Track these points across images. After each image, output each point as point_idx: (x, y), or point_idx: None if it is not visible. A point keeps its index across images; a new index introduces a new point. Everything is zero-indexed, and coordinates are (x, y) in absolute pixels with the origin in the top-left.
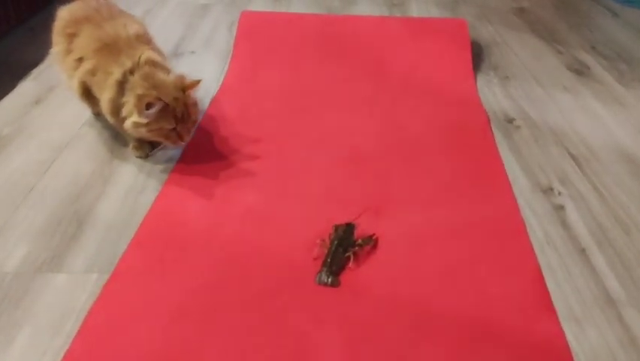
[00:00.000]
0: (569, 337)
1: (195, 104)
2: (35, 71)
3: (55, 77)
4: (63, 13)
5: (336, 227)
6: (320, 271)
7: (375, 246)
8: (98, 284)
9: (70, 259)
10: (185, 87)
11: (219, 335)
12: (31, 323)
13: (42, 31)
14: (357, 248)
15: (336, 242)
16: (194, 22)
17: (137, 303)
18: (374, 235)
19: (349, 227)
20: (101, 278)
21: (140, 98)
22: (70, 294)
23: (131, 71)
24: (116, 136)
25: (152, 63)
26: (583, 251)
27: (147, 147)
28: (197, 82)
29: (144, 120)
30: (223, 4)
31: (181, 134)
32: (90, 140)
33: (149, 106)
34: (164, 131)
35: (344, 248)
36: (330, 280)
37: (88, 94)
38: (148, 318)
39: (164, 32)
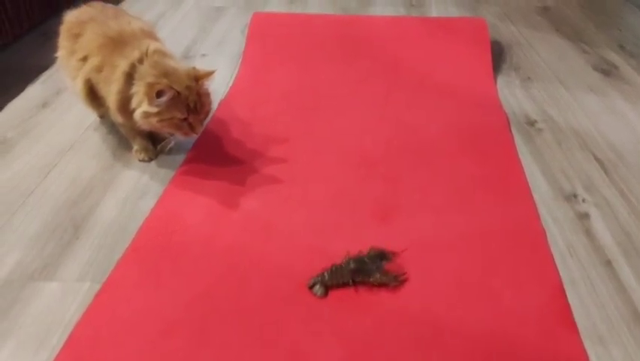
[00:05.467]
0: (592, 358)
1: (208, 94)
2: (45, 75)
3: (63, 80)
4: (69, 17)
5: (371, 248)
6: (314, 276)
7: (398, 286)
8: (89, 294)
9: (64, 266)
10: (198, 76)
11: (211, 351)
12: (16, 335)
13: (54, 36)
14: (372, 280)
15: (351, 260)
16: (207, 25)
17: (128, 315)
18: (404, 274)
19: (378, 254)
20: (92, 288)
21: (150, 86)
22: (60, 304)
23: (139, 61)
24: (120, 140)
25: (161, 53)
26: (609, 263)
27: (151, 151)
28: (212, 72)
29: (155, 109)
30: (237, 7)
31: (193, 126)
32: (94, 143)
33: (160, 94)
34: (175, 121)
35: (355, 270)
36: (317, 288)
37: (92, 95)
38: (138, 331)
39: (175, 36)
